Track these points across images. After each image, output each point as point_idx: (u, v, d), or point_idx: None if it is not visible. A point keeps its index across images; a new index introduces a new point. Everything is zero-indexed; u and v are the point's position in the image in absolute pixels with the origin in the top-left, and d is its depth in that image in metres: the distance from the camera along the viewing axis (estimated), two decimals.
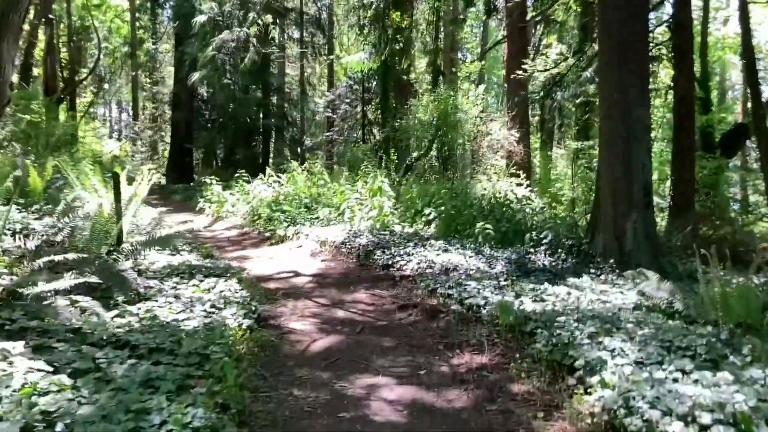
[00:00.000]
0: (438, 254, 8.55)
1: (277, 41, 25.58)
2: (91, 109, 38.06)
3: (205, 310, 5.11)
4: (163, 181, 25.12)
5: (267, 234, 11.07)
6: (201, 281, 6.17)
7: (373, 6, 17.26)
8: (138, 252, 7.01)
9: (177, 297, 5.42)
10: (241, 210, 12.74)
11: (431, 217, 10.95)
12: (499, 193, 13.42)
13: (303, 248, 9.91)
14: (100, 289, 5.09)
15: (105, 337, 4.21)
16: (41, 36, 24.07)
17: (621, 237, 8.65)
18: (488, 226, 9.62)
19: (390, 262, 8.38)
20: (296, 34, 27.39)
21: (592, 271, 7.87)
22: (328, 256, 9.29)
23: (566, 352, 4.57)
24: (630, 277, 7.14)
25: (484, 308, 5.98)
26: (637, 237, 8.64)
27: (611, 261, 8.14)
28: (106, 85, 37.58)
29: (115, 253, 6.87)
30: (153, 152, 29.15)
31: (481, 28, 37.22)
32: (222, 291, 5.88)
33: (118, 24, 34.83)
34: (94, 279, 4.81)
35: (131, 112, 34.65)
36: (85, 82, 34.67)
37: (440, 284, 6.97)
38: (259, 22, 17.42)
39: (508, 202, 11.94)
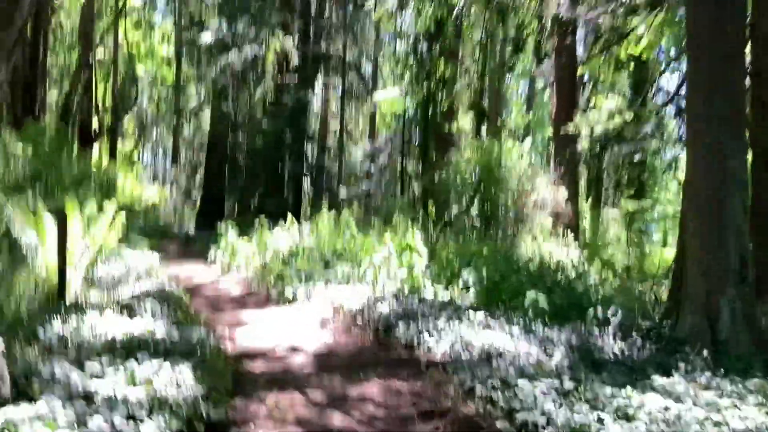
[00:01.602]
0: (478, 332, 6.51)
1: (318, 90, 24.31)
2: (135, 155, 37.46)
3: (110, 422, 3.17)
4: (192, 227, 23.63)
5: (275, 293, 9.16)
6: (141, 364, 4.24)
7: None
8: (82, 313, 5.19)
9: (85, 397, 3.51)
10: (255, 262, 10.90)
11: (470, 281, 8.92)
12: (550, 256, 11.36)
13: (313, 313, 7.95)
14: None
15: None
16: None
17: (714, 319, 6.57)
18: (540, 297, 7.54)
19: (416, 341, 6.36)
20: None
21: (681, 364, 5.73)
22: (340, 326, 7.31)
23: None
24: (754, 389, 4.96)
25: (546, 430, 3.92)
26: (735, 319, 6.55)
27: (704, 351, 6.02)
28: (154, 133, 36.98)
29: (51, 314, 5.05)
30: (187, 198, 27.82)
31: (527, 87, 35.70)
32: (165, 384, 3.94)
33: (165, 72, 34.39)
34: None
35: (171, 158, 33.74)
36: (127, 128, 34.08)
37: (480, 381, 4.92)
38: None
39: (562, 268, 9.85)
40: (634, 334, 6.84)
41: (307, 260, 9.91)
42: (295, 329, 7.22)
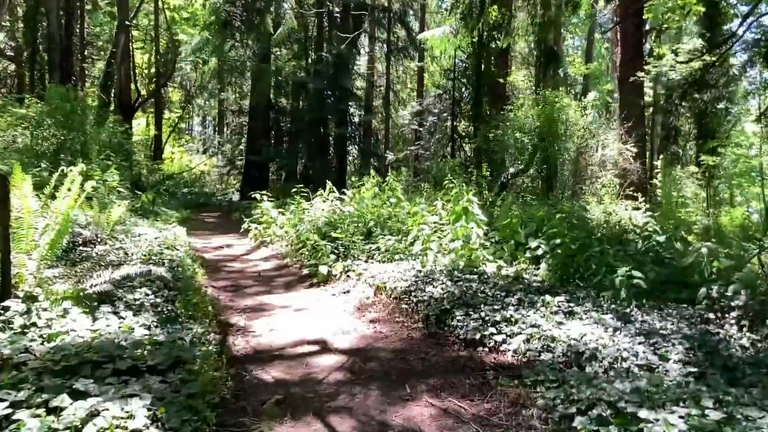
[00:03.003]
0: (559, 322, 4.91)
1: (365, 46, 22.57)
2: (182, 125, 36.54)
3: None
4: (236, 196, 22.50)
5: (307, 270, 7.71)
6: (76, 399, 2.81)
7: None
8: (31, 311, 3.83)
9: None
10: (290, 235, 9.49)
11: (539, 252, 7.27)
12: (629, 219, 9.61)
13: (349, 296, 6.48)
14: None
15: None
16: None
17: None
18: (636, 273, 5.85)
19: (478, 335, 4.80)
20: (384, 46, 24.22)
21: None
22: (381, 312, 5.80)
23: None
24: None
25: None
26: None
27: None
28: (200, 101, 35.85)
29: None
30: (231, 166, 26.65)
31: (582, 42, 33.05)
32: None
33: (207, 37, 33.07)
34: None
35: (216, 126, 32.77)
36: (172, 97, 33.08)
37: (578, 405, 3.34)
38: None
39: (649, 233, 8.09)
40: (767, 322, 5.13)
41: (346, 231, 8.41)
42: (326, 317, 5.75)
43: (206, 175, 29.27)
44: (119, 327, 4.06)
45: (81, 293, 4.12)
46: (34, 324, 3.81)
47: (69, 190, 4.30)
